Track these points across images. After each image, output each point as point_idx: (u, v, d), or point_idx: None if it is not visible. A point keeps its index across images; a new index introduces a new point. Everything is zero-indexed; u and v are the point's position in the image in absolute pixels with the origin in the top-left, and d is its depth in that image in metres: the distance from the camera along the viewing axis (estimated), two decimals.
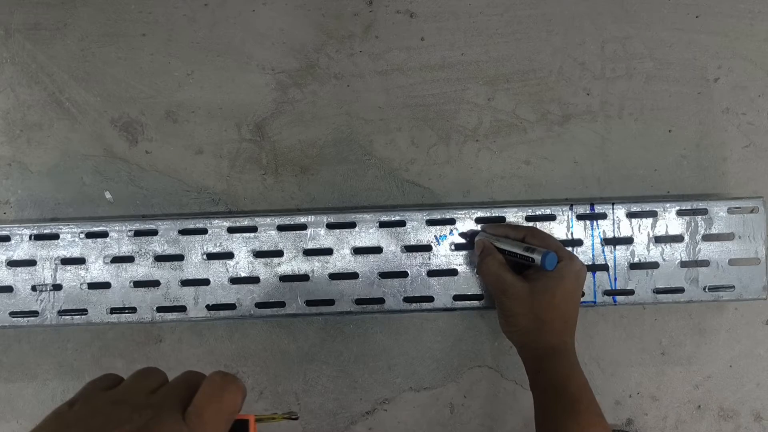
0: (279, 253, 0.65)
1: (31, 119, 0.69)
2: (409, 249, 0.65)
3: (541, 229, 0.64)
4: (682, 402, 0.71)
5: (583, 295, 0.65)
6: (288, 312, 0.65)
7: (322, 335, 0.70)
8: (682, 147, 0.71)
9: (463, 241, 0.65)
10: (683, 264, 0.66)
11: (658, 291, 0.66)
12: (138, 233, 0.65)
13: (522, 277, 0.59)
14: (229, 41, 0.70)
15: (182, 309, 0.65)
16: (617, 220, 0.66)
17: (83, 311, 0.65)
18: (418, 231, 0.65)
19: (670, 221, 0.66)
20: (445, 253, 0.65)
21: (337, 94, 0.70)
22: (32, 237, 0.64)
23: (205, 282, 0.65)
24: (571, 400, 0.53)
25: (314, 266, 0.65)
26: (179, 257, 0.65)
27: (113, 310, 0.65)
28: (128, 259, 0.65)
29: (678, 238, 0.66)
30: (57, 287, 0.64)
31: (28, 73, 0.69)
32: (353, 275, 0.65)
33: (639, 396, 0.71)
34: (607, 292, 0.66)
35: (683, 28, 0.70)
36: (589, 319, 0.70)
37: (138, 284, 0.65)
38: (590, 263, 0.65)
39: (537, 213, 0.66)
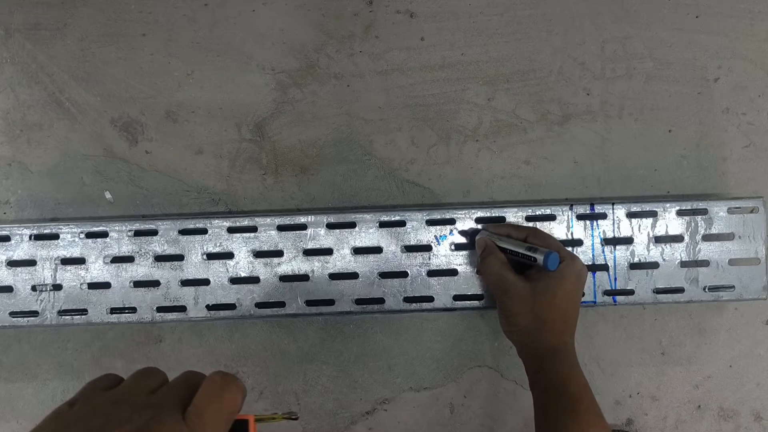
0: (279, 253, 0.65)
1: (31, 119, 0.69)
2: (409, 249, 0.65)
3: (541, 229, 0.64)
4: (682, 402, 0.71)
5: (583, 295, 0.64)
6: (288, 312, 0.65)
7: (322, 335, 0.70)
8: (682, 147, 0.71)
9: (463, 240, 0.65)
10: (683, 264, 0.66)
11: (658, 291, 0.66)
12: (138, 233, 0.65)
13: (523, 277, 0.59)
14: (229, 41, 0.70)
15: (182, 309, 0.65)
16: (617, 220, 0.66)
17: (83, 311, 0.65)
18: (418, 231, 0.65)
19: (670, 221, 0.66)
20: (445, 253, 0.65)
21: (337, 94, 0.70)
22: (32, 237, 0.64)
23: (205, 282, 0.65)
24: (571, 400, 0.53)
25: (314, 266, 0.65)
26: (179, 257, 0.65)
27: (113, 310, 0.65)
28: (128, 259, 0.65)
29: (678, 238, 0.66)
30: (57, 287, 0.64)
31: (28, 73, 0.69)
32: (353, 275, 0.65)
33: (639, 396, 0.71)
34: (607, 292, 0.66)
35: (683, 28, 0.70)
36: (589, 319, 0.70)
37: (138, 284, 0.65)
38: (590, 263, 0.65)
39: (537, 213, 0.66)
